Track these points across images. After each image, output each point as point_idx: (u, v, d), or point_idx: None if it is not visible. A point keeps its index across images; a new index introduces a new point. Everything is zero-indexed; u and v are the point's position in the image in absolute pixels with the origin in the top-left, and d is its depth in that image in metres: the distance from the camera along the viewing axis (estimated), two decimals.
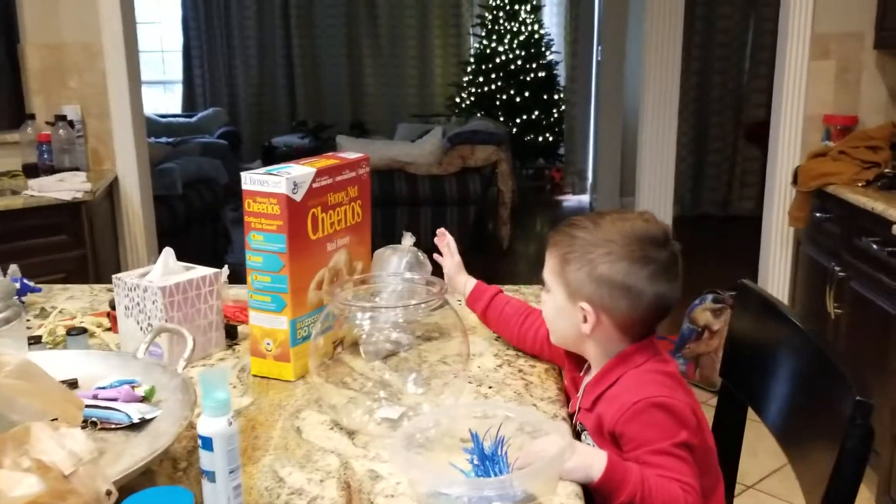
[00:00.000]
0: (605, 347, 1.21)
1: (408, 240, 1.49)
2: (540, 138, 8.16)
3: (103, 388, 1.09)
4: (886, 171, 2.97)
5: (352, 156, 1.42)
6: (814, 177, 3.10)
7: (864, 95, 3.35)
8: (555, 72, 8.16)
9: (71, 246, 3.02)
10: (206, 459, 0.91)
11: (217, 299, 1.42)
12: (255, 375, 1.34)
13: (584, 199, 7.58)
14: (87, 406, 1.03)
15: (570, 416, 1.26)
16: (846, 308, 2.84)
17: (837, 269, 2.88)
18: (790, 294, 3.50)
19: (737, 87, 6.74)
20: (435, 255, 1.57)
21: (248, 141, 8.51)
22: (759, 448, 3.02)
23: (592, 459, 1.05)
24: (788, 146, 3.44)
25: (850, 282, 2.80)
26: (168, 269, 1.39)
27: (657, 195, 4.69)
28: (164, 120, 7.98)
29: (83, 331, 1.42)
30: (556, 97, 8.15)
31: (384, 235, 5.39)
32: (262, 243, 1.26)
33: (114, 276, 1.40)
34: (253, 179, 1.25)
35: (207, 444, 0.90)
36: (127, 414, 1.03)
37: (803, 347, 1.16)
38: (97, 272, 3.14)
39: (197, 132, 7.76)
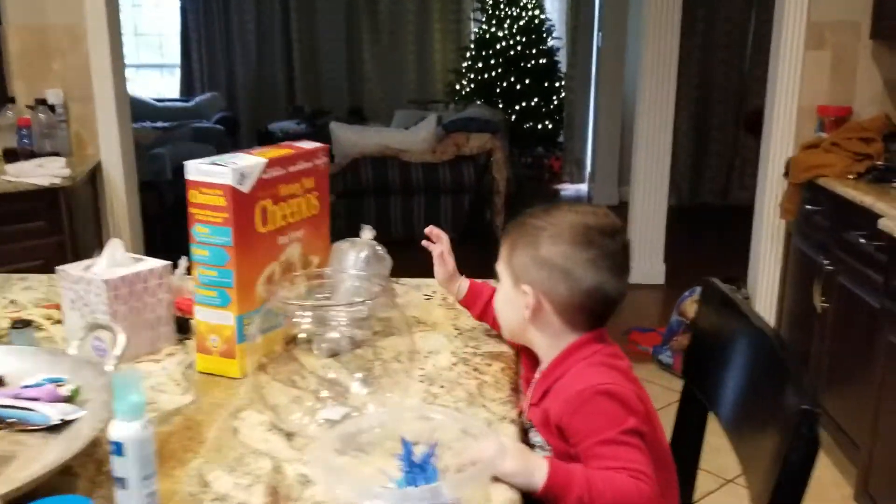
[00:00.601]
0: (549, 337, 1.19)
1: (367, 233, 1.44)
2: (539, 126, 8.08)
3: (29, 386, 1.05)
4: (878, 163, 2.91)
5: (308, 146, 1.38)
6: (805, 169, 3.05)
7: (860, 86, 3.28)
8: (555, 58, 8.07)
9: (49, 232, 2.98)
10: (117, 465, 0.87)
11: (167, 293, 1.38)
12: (201, 372, 1.30)
13: (583, 188, 7.52)
14: (4, 406, 0.99)
15: (521, 413, 1.23)
16: (833, 302, 2.79)
17: (825, 262, 2.83)
18: (780, 288, 3.45)
19: (738, 77, 6.66)
20: (431, 248, 1.48)
21: (246, 126, 8.45)
22: None
23: (534, 467, 1.01)
24: (782, 137, 3.38)
25: (837, 276, 2.75)
26: (114, 260, 1.34)
27: (652, 185, 4.63)
28: (160, 104, 7.94)
29: (27, 324, 1.38)
30: (556, 84, 8.07)
31: (378, 225, 5.40)
32: (207, 236, 1.22)
33: (58, 268, 1.36)
34: (198, 169, 1.20)
35: (119, 449, 0.86)
36: (46, 416, 0.99)
37: (759, 348, 1.12)
38: (77, 259, 3.09)
39: (194, 117, 7.71)
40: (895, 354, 2.29)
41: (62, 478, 0.97)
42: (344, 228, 5.49)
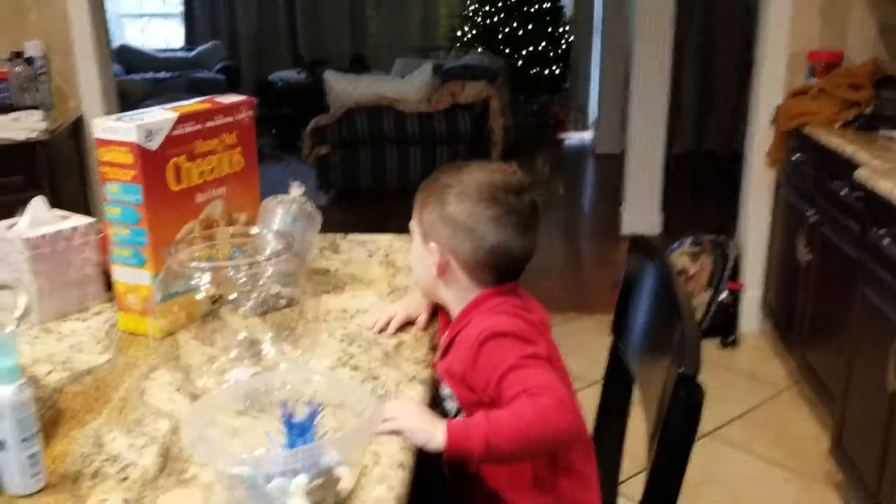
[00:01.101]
0: (457, 293, 1.19)
1: (295, 190, 1.42)
2: (546, 72, 7.94)
3: None
4: (867, 110, 2.83)
5: (229, 99, 1.35)
6: (791, 116, 2.98)
7: (852, 30, 3.18)
8: (560, 3, 7.90)
9: (27, 187, 2.96)
10: None
11: (93, 251, 1.37)
12: (123, 331, 1.30)
13: (587, 136, 7.42)
14: None
15: (434, 366, 1.23)
16: (816, 254, 2.75)
17: (810, 213, 2.78)
18: (769, 239, 3.40)
19: (744, 20, 6.48)
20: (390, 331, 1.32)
21: (248, 76, 8.39)
22: (725, 396, 2.98)
23: (436, 424, 1.01)
24: (771, 84, 3.29)
25: (821, 227, 2.70)
26: (37, 219, 1.33)
27: (649, 133, 4.55)
28: (162, 55, 7.89)
29: None
30: (561, 28, 7.91)
31: (373, 175, 5.38)
32: (118, 194, 1.20)
33: None
34: (104, 127, 1.18)
35: None
36: None
37: (660, 300, 1.10)
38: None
39: (196, 67, 7.67)
40: (870, 307, 2.25)
41: None
42: (341, 179, 5.46)
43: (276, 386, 1.02)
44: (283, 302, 1.31)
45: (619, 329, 1.31)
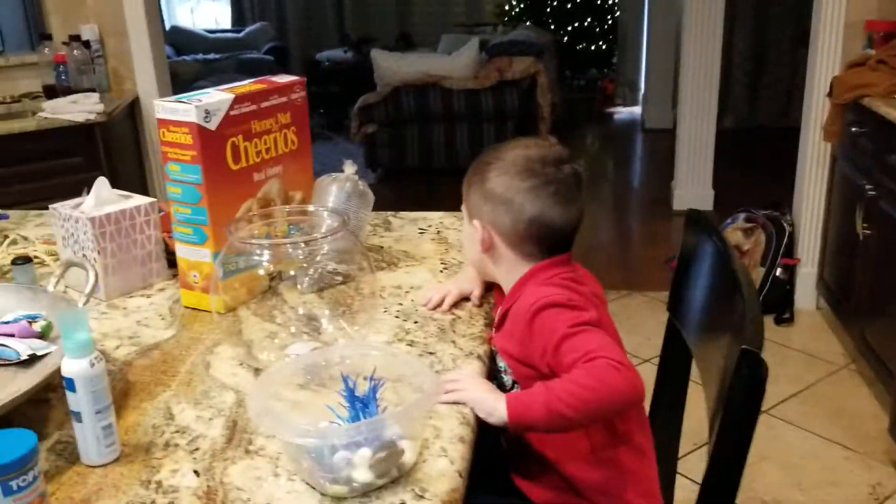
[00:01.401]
0: (507, 268, 1.20)
1: (348, 168, 1.43)
2: (593, 47, 7.85)
3: (6, 322, 1.09)
4: None
5: (283, 80, 1.37)
6: (849, 88, 2.90)
7: None
8: None
9: (87, 168, 3.04)
10: (72, 400, 0.90)
11: (155, 229, 1.40)
12: (186, 307, 1.33)
13: (636, 111, 7.33)
14: None
15: (490, 340, 1.24)
16: (874, 229, 2.69)
17: (868, 187, 2.72)
18: (825, 214, 3.33)
19: None
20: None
21: (296, 56, 8.44)
22: (781, 374, 2.95)
23: (497, 395, 1.03)
24: (828, 55, 3.22)
25: (879, 201, 2.64)
26: (101, 199, 1.37)
27: (700, 108, 4.48)
28: (211, 36, 7.97)
29: (28, 260, 1.42)
30: (609, 2, 7.80)
31: (421, 154, 5.39)
32: (179, 174, 1.23)
33: (51, 206, 1.40)
34: (164, 107, 1.21)
35: (70, 385, 0.89)
36: (16, 350, 1.03)
37: (722, 276, 1.09)
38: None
39: (244, 47, 7.74)
40: None
41: (37, 408, 1.02)
42: (388, 157, 5.50)
43: (335, 361, 1.04)
44: (338, 278, 1.34)
45: (676, 306, 1.30)
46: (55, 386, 1.01)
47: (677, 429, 1.35)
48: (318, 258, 1.30)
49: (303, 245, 1.15)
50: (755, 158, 5.78)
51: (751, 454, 2.59)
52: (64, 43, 3.33)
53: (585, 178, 1.21)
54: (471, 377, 1.06)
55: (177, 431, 0.99)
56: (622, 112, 7.42)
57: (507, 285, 1.21)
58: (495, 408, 1.01)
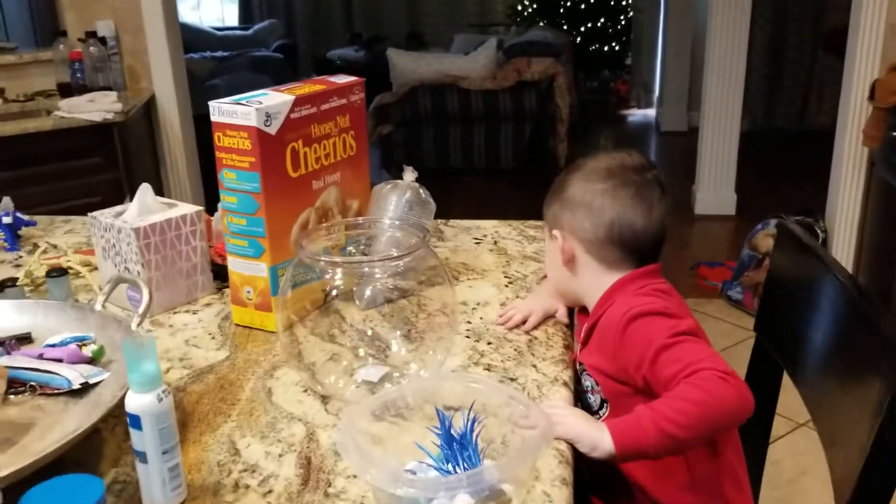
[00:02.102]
0: (591, 281, 1.13)
1: (409, 175, 1.34)
2: (606, 48, 7.76)
3: (53, 345, 1.00)
4: None
5: (342, 80, 1.27)
6: (893, 91, 2.81)
7: None
8: None
9: (104, 168, 2.95)
10: (136, 439, 0.81)
11: (201, 240, 1.31)
12: (237, 325, 1.24)
13: (650, 113, 7.22)
14: (27, 368, 0.94)
15: (574, 361, 1.16)
16: None
17: None
18: (860, 221, 3.24)
19: None
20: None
21: (306, 54, 8.34)
22: None
23: (598, 426, 0.94)
24: (867, 57, 3.12)
25: None
26: (145, 207, 1.28)
27: (724, 110, 4.38)
28: (219, 33, 7.87)
29: (64, 272, 1.33)
30: (623, 3, 7.70)
31: (437, 155, 5.29)
32: (234, 182, 1.14)
33: (89, 214, 1.31)
34: (221, 110, 1.11)
35: (136, 422, 0.80)
36: (67, 378, 0.93)
37: (847, 308, 0.99)
38: (133, 194, 3.09)
39: (253, 45, 7.63)
40: None
41: (87, 442, 0.93)
42: (404, 158, 5.40)
43: (411, 389, 0.95)
44: (396, 294, 1.24)
45: (768, 328, 1.20)
46: (107, 415, 0.91)
47: (762, 455, 1.25)
48: (377, 273, 1.20)
49: (380, 262, 1.06)
50: (774, 162, 5.68)
51: (793, 469, 2.47)
52: (80, 39, 3.24)
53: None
54: (568, 409, 0.97)
55: (245, 470, 0.89)
56: (636, 114, 7.32)
57: (591, 300, 1.13)
58: (600, 440, 0.92)
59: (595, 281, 1.12)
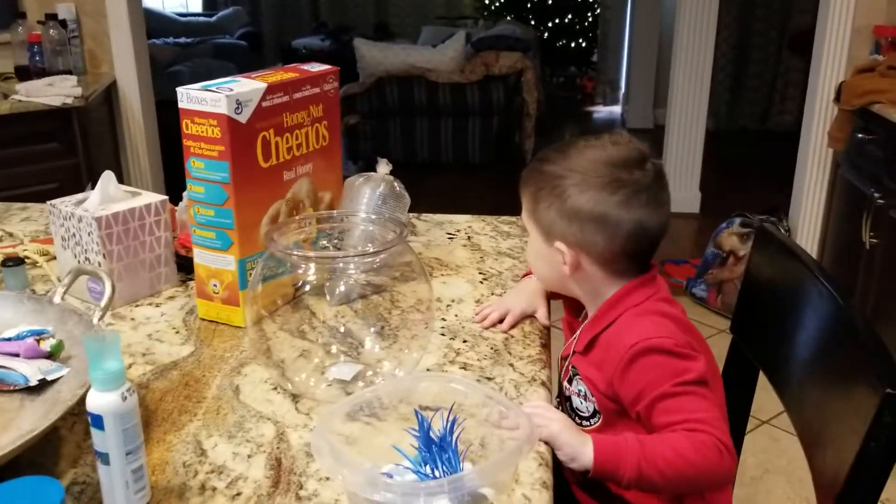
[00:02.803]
0: (593, 289, 1.07)
1: (383, 167, 1.31)
2: (573, 44, 7.77)
3: (8, 339, 0.95)
4: None
5: (316, 68, 1.23)
6: (859, 94, 2.83)
7: None
8: None
9: (63, 154, 2.87)
10: (98, 440, 0.76)
11: (165, 230, 1.26)
12: (202, 319, 1.19)
13: (616, 110, 7.26)
14: None
15: (563, 357, 1.13)
16: (883, 238, 2.63)
17: (877, 195, 2.65)
18: (824, 220, 3.28)
19: None
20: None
21: (271, 43, 8.23)
22: None
23: (583, 438, 0.92)
24: (833, 59, 3.16)
25: (888, 210, 2.58)
26: (107, 196, 1.23)
27: (690, 108, 4.41)
28: (183, 19, 7.73)
29: (21, 262, 1.27)
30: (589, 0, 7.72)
31: (404, 148, 5.25)
32: (203, 171, 1.10)
33: (49, 203, 1.25)
34: (190, 96, 1.07)
35: (98, 422, 0.76)
36: (24, 375, 0.89)
37: (828, 313, 0.98)
38: (94, 181, 3.00)
39: (217, 32, 7.51)
40: None
41: (45, 442, 0.88)
42: (370, 150, 5.33)
43: (387, 389, 0.92)
44: (369, 289, 1.21)
45: (745, 330, 1.19)
46: (65, 413, 0.87)
47: (737, 454, 1.24)
48: (361, 270, 1.16)
49: (355, 258, 1.02)
50: (738, 161, 5.74)
51: (756, 467, 2.49)
52: (39, 22, 3.14)
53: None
54: (553, 413, 0.94)
55: (212, 471, 0.86)
56: (602, 111, 7.35)
57: (592, 306, 1.09)
58: (581, 453, 0.90)
59: (597, 289, 1.07)
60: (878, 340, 0.82)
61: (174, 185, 3.05)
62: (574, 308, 1.18)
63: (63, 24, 3.15)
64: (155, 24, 7.22)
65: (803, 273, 1.04)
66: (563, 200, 1.02)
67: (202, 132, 1.07)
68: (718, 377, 1.11)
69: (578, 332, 1.11)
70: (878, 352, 0.79)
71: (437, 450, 0.78)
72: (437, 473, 0.77)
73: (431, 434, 0.79)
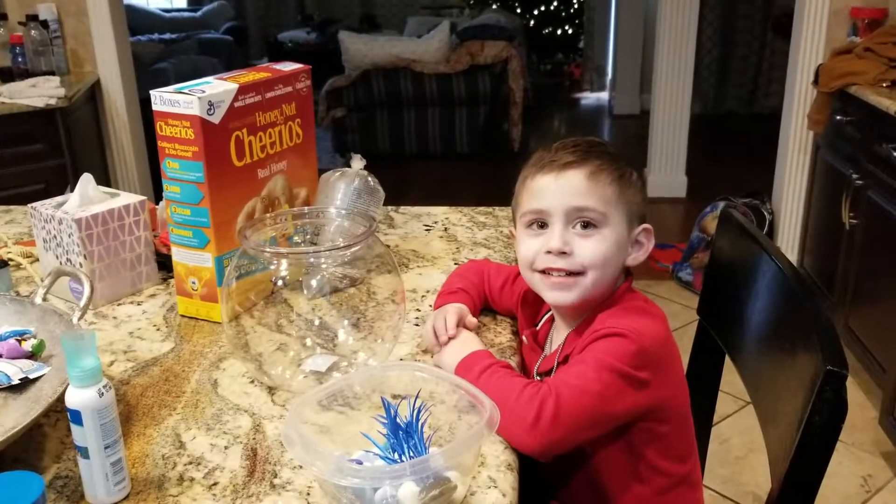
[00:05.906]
0: (603, 293, 1.03)
1: (357, 163, 1.33)
2: (559, 31, 7.79)
3: None
4: None
5: (287, 67, 1.26)
6: (836, 76, 2.87)
7: None
8: None
9: (48, 155, 2.89)
10: (77, 434, 0.80)
11: (145, 230, 1.29)
12: (183, 316, 1.22)
13: (603, 96, 7.28)
14: None
15: (542, 373, 1.08)
16: (861, 218, 2.66)
17: (855, 176, 2.69)
18: (806, 202, 3.32)
19: None
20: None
21: (256, 36, 8.23)
22: None
23: (450, 360, 1.03)
24: (811, 42, 3.18)
25: (867, 191, 2.62)
26: (86, 197, 1.25)
27: (675, 93, 4.43)
28: (167, 15, 7.72)
29: (4, 264, 1.30)
30: None
31: (392, 140, 5.27)
32: (178, 172, 1.12)
33: (29, 205, 1.28)
34: (163, 99, 1.10)
35: (76, 417, 0.79)
36: (6, 374, 0.92)
37: (780, 291, 1.01)
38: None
39: (202, 27, 7.50)
40: None
41: (28, 438, 0.91)
42: (357, 143, 5.34)
43: (359, 379, 0.95)
44: (346, 282, 1.24)
45: (710, 313, 1.23)
46: (47, 410, 0.90)
47: (706, 436, 1.28)
48: (335, 264, 1.19)
49: (328, 252, 1.05)
50: (725, 145, 5.78)
51: (739, 446, 2.52)
52: (20, 23, 3.15)
53: None
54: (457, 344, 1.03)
55: (190, 463, 0.89)
56: (589, 97, 7.38)
57: (582, 312, 1.04)
58: (448, 363, 1.02)
59: (609, 287, 1.03)
60: (822, 318, 0.86)
61: (160, 182, 3.07)
62: (528, 317, 1.15)
63: (45, 24, 3.16)
64: (139, 21, 7.22)
65: (759, 254, 1.07)
66: (643, 181, 1.05)
67: (176, 134, 1.10)
68: (684, 383, 1.04)
69: (563, 339, 1.06)
70: (822, 329, 0.83)
71: (404, 435, 0.81)
72: (403, 458, 0.80)
73: (398, 420, 0.82)
